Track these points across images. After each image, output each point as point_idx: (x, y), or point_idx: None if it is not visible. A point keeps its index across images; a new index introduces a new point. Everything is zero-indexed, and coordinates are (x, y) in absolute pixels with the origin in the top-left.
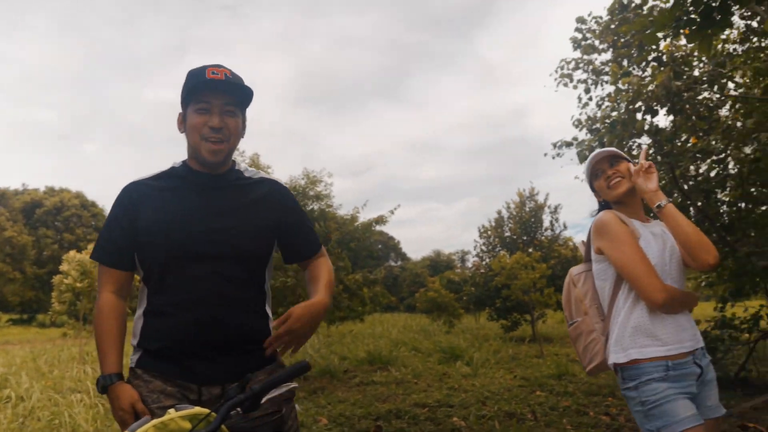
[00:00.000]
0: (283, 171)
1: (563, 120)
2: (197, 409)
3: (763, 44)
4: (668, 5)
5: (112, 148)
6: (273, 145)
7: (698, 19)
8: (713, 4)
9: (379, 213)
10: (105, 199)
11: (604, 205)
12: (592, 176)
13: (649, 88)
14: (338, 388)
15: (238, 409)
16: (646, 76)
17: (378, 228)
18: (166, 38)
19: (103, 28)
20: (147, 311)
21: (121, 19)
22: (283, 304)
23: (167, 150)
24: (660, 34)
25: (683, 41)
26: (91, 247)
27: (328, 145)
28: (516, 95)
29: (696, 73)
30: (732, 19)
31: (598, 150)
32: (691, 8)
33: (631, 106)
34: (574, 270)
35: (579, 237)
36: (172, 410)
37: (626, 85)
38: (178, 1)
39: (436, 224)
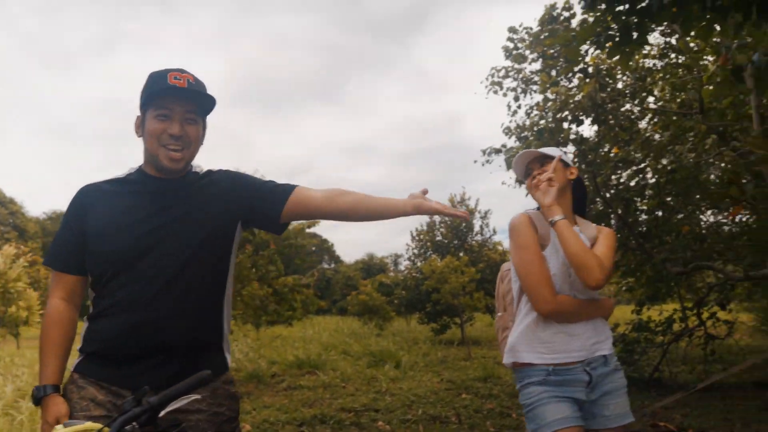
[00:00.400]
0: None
1: (494, 128)
2: (88, 425)
3: (680, 60)
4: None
5: (35, 142)
6: (205, 144)
7: (617, 36)
8: (633, 21)
9: None
10: (24, 196)
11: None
12: (525, 176)
13: (576, 98)
14: (264, 393)
15: (134, 423)
16: (573, 87)
17: (311, 230)
18: (95, 31)
19: (26, 17)
20: (91, 315)
21: (46, 9)
22: None
23: (95, 147)
24: (583, 48)
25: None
26: (6, 247)
27: (262, 145)
28: (450, 102)
29: (620, 85)
30: (651, 35)
31: (527, 150)
32: (612, 25)
33: (558, 115)
34: (505, 266)
35: (508, 242)
36: (59, 426)
37: (554, 94)
38: None
39: (371, 228)
